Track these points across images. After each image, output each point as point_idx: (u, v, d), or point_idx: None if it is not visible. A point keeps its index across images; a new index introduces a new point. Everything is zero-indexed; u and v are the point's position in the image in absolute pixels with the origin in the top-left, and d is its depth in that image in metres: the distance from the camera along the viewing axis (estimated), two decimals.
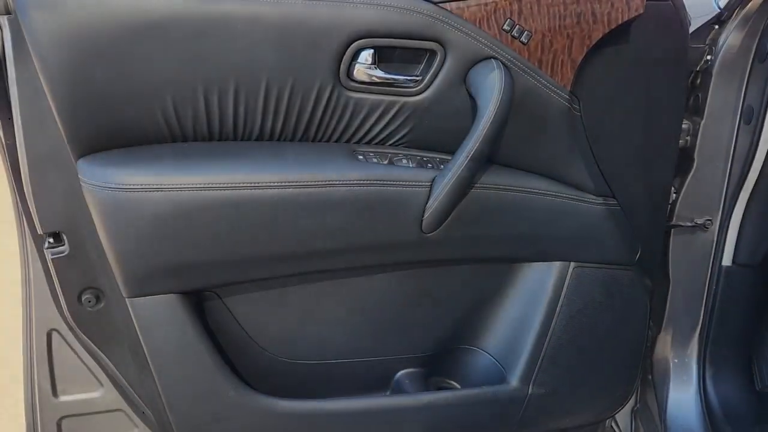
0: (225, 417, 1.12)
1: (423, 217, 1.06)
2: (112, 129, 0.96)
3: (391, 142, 1.10)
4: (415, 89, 1.05)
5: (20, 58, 0.95)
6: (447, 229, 1.09)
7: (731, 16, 1.26)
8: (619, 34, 1.07)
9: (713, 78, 1.27)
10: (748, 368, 1.45)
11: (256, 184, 0.98)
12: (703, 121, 1.30)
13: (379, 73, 1.03)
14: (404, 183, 1.04)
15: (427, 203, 1.06)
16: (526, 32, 1.03)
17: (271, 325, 1.16)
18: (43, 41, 0.89)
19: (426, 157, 1.11)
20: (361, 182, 1.02)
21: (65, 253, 1.06)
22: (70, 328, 1.12)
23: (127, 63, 0.93)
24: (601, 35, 1.05)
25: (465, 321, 1.26)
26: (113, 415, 1.22)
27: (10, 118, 0.99)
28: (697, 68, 1.28)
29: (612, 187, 1.18)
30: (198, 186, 0.96)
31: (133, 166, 0.96)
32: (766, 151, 1.25)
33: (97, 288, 1.08)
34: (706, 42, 1.28)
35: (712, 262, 1.38)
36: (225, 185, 0.97)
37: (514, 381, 1.23)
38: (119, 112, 0.95)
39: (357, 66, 1.02)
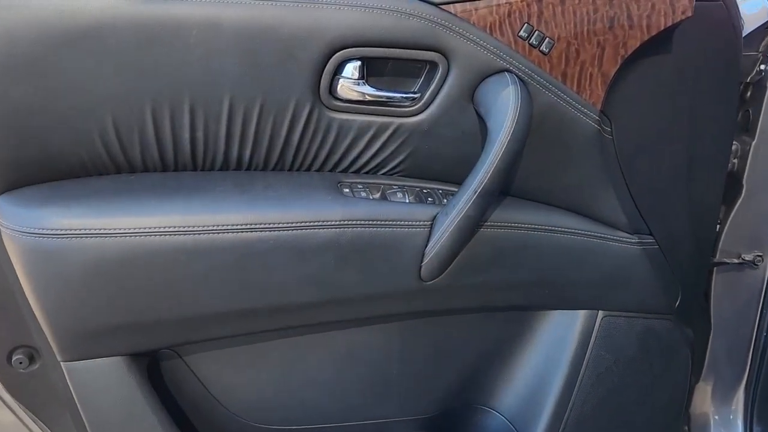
0: None
1: (422, 262, 0.88)
2: (36, 158, 0.79)
3: (383, 171, 0.92)
4: (412, 109, 0.87)
5: None
6: (451, 276, 0.90)
7: None
8: (659, 41, 0.88)
9: None
10: None
11: (219, 227, 0.80)
12: (754, 142, 1.11)
13: (368, 89, 0.85)
14: (399, 222, 0.86)
15: (426, 246, 0.87)
16: (547, 40, 0.85)
17: (242, 386, 0.98)
18: None
19: (426, 189, 0.92)
20: (347, 222, 0.84)
21: None
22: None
23: (53, 77, 0.75)
24: (638, 44, 0.87)
25: (474, 377, 1.08)
26: None
27: None
28: (748, 80, 1.09)
29: (649, 222, 1.00)
30: (146, 230, 0.78)
31: (63, 204, 0.78)
32: None
33: (31, 347, 0.91)
34: (759, 49, 1.08)
35: (762, 303, 1.19)
36: (180, 228, 0.79)
37: None
38: (45, 137, 0.78)
39: (341, 81, 0.84)
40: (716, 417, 1.27)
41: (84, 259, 0.78)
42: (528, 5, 0.84)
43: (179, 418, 0.94)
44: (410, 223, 0.87)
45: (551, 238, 0.95)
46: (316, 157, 0.89)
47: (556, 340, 1.04)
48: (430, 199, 0.91)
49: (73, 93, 0.77)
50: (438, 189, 0.94)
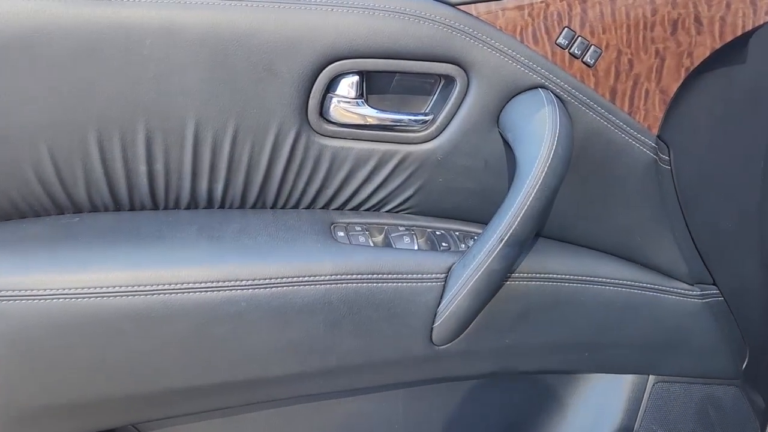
0: None
1: (434, 324, 0.71)
2: None
3: (387, 208, 0.76)
4: (423, 134, 0.71)
5: None
6: (469, 339, 0.73)
7: None
8: (734, 49, 0.71)
9: None
10: None
11: (177, 286, 0.64)
12: None
13: (368, 110, 0.69)
14: (405, 276, 0.69)
15: (439, 305, 0.70)
16: (592, 48, 0.68)
17: None
18: None
19: (439, 230, 0.76)
20: (341, 277, 0.67)
21: None
22: None
23: None
24: (708, 53, 0.70)
25: None
26: None
27: None
28: None
29: (713, 270, 0.83)
30: (85, 291, 0.62)
31: None
32: None
33: None
34: None
35: None
36: (128, 288, 0.63)
37: None
38: None
39: (335, 100, 0.68)
40: None
41: (7, 328, 0.62)
42: (569, 5, 0.67)
43: None
44: (419, 276, 0.70)
45: (593, 290, 0.78)
46: (304, 192, 0.73)
47: (596, 411, 0.87)
48: (444, 244, 0.74)
49: None
50: (454, 231, 0.77)
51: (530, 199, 0.65)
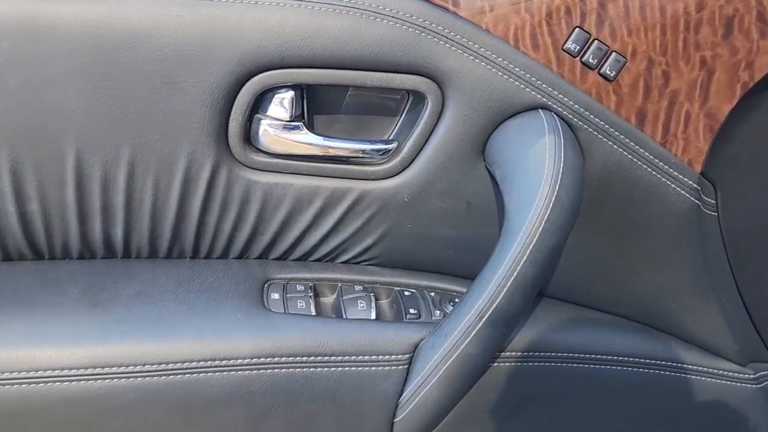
0: None
1: (394, 419, 0.54)
2: None
3: (345, 258, 0.60)
4: (384, 167, 0.55)
5: None
6: None
7: None
8: None
9: None
10: None
11: (45, 374, 0.48)
12: None
13: (310, 137, 0.53)
14: (357, 357, 0.52)
15: (402, 394, 0.53)
16: (614, 56, 0.50)
17: None
18: None
19: (410, 289, 0.59)
20: (267, 360, 0.51)
21: None
22: None
23: None
24: None
25: None
26: None
27: None
28: None
29: None
30: None
31: None
32: None
33: None
34: None
35: None
36: None
37: None
38: None
39: (264, 124, 0.52)
40: None
41: None
42: None
43: None
44: (376, 358, 0.53)
45: (612, 373, 0.60)
46: (232, 239, 0.56)
47: None
48: (412, 310, 0.57)
49: None
50: (430, 289, 0.60)
51: (521, 264, 0.47)
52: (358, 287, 0.57)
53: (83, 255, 0.56)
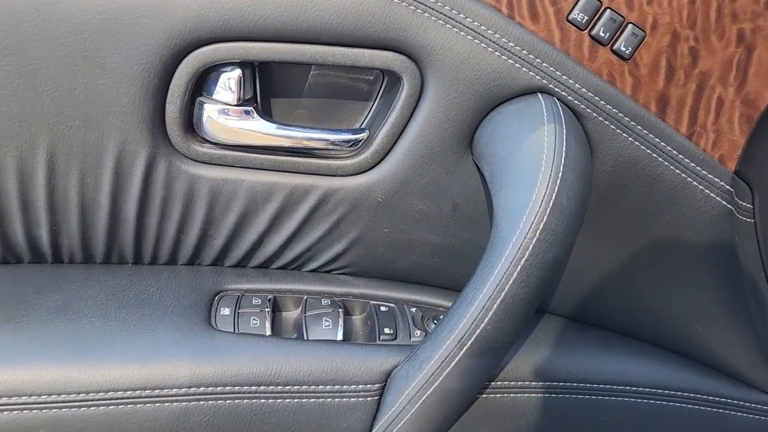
0: None
1: None
2: None
3: (312, 267, 0.52)
4: (354, 161, 0.47)
5: None
6: None
7: None
8: None
9: None
10: None
11: None
12: None
13: (263, 124, 0.44)
14: (317, 388, 0.44)
15: (372, 428, 0.45)
16: (630, 28, 0.41)
17: None
18: None
19: (387, 303, 0.50)
20: (208, 390, 0.43)
21: None
22: None
23: None
24: None
25: None
26: None
27: None
28: None
29: None
30: None
31: None
32: None
33: None
34: None
35: None
36: None
37: None
38: None
39: (208, 108, 0.43)
40: None
41: None
42: None
43: None
44: (339, 388, 0.44)
45: (625, 406, 0.51)
46: (178, 242, 0.49)
47: None
48: (387, 329, 0.48)
49: None
50: (411, 304, 0.51)
51: (510, 283, 0.38)
52: (325, 301, 0.49)
53: (6, 260, 0.48)
